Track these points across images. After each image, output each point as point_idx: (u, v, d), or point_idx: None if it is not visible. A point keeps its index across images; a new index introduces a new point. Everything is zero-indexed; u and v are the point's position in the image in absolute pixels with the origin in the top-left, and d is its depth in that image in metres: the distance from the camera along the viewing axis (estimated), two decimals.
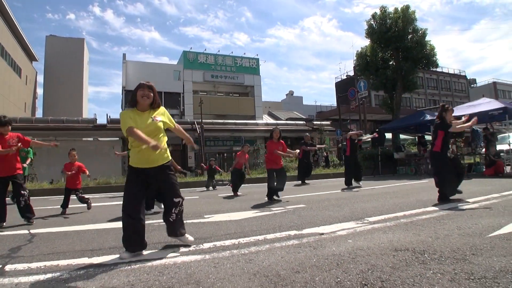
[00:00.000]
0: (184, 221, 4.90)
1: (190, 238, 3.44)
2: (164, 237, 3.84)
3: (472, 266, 2.36)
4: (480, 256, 2.58)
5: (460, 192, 5.85)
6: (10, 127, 5.39)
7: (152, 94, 3.25)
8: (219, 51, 43.07)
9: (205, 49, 41.87)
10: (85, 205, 7.04)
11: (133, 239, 3.11)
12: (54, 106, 47.15)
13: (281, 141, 7.62)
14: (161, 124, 3.29)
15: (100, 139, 26.93)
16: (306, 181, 12.26)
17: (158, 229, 4.46)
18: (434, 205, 5.31)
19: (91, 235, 4.27)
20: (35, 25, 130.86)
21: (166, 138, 3.37)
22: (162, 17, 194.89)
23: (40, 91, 50.47)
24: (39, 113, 47.15)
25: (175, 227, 3.35)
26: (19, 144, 5.36)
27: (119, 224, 4.88)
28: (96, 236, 4.15)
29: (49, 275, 2.57)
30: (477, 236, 3.20)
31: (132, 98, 3.27)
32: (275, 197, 7.22)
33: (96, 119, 26.14)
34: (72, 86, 50.31)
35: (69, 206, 6.78)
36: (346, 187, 9.64)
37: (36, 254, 3.28)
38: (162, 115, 3.35)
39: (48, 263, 2.93)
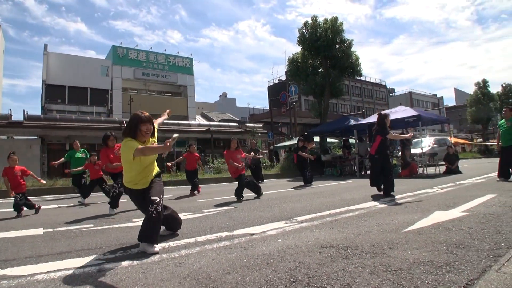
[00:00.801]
0: (111, 226, 4.69)
1: (156, 249, 3.10)
2: (88, 244, 3.62)
3: (389, 259, 2.56)
4: (396, 249, 2.81)
5: (392, 195, 6.46)
6: None
7: (152, 127, 3.39)
8: (151, 48, 41.74)
9: (137, 45, 40.29)
10: (16, 211, 6.31)
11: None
12: None
13: (239, 149, 7.77)
14: None
15: (15, 137, 24.42)
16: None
17: (81, 235, 4.18)
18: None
19: (4, 244, 3.85)
20: None
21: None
22: (89, 8, 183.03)
23: None
24: None
25: (147, 228, 3.19)
26: None
27: (36, 232, 4.52)
28: (10, 245, 3.75)
29: None
30: (394, 232, 3.48)
31: (132, 130, 3.31)
32: (241, 198, 7.38)
33: (11, 115, 23.70)
34: None
35: None
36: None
37: None
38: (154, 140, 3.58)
39: None
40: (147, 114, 3.33)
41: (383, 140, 6.72)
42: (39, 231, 4.56)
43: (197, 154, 10.15)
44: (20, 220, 5.80)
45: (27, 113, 24.36)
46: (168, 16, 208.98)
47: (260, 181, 13.29)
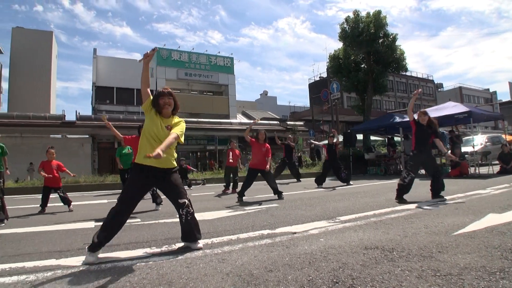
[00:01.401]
0: (157, 221, 4.86)
1: (200, 245, 3.25)
2: (135, 237, 3.78)
3: (438, 263, 2.45)
4: (445, 253, 2.68)
5: (441, 196, 6.00)
6: None
7: (173, 101, 3.28)
8: (193, 49, 42.72)
9: (179, 47, 41.36)
10: (66, 205, 6.75)
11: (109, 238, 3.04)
12: (20, 101, 45.15)
13: (266, 144, 7.53)
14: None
15: (68, 136, 26.02)
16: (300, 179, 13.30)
17: (129, 229, 4.37)
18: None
19: (59, 235, 4.13)
20: (0, 17, 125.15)
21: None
22: (134, 13, 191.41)
23: (5, 85, 48.21)
24: (3, 108, 44.94)
25: (186, 231, 3.23)
26: None
27: (87, 225, 4.79)
28: (64, 237, 4.02)
29: (14, 278, 2.47)
30: (443, 234, 3.32)
31: (155, 107, 3.23)
32: (281, 195, 7.29)
33: (64, 116, 25.20)
34: (40, 80, 48.35)
35: (34, 205, 6.53)
36: (317, 185, 10.11)
37: (1, 256, 3.15)
38: (180, 130, 3.25)
39: (13, 265, 2.81)
40: (167, 89, 3.32)
41: (418, 128, 6.08)
42: (91, 224, 4.84)
43: (237, 151, 10.33)
44: (72, 214, 6.17)
45: (79, 113, 25.80)
46: (209, 17, 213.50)
47: (299, 180, 13.23)
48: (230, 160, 9.90)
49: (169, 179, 3.25)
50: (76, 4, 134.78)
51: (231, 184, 9.80)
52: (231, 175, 9.85)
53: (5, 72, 47.65)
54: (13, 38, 48.27)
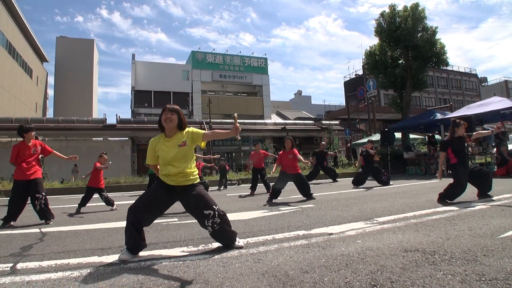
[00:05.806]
0: (194, 220, 4.94)
1: (239, 243, 3.24)
2: (173, 236, 3.87)
3: (483, 267, 2.33)
4: (491, 257, 2.54)
5: (488, 196, 5.75)
6: (33, 133, 5.40)
7: (175, 117, 3.14)
8: (227, 51, 43.23)
9: (213, 49, 42.05)
10: (110, 206, 7.02)
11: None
12: (65, 106, 47.75)
13: (294, 149, 7.43)
14: (187, 150, 3.14)
15: (109, 139, 27.18)
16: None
17: (167, 228, 4.48)
18: (445, 205, 5.25)
19: (101, 234, 4.31)
20: (45, 28, 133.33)
21: (194, 160, 3.25)
22: (168, 19, 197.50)
23: (50, 91, 51.13)
24: (50, 113, 47.80)
25: (220, 239, 3.22)
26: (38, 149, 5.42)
27: None
28: (106, 235, 4.19)
29: (60, 274, 2.60)
30: (489, 237, 3.15)
31: (159, 124, 3.20)
32: (312, 196, 7.19)
33: (105, 119, 26.32)
34: (82, 86, 50.86)
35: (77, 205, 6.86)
36: (353, 186, 9.81)
37: (47, 253, 3.33)
38: (187, 138, 3.16)
39: (59, 262, 2.96)
40: (172, 106, 3.18)
41: (453, 148, 5.79)
42: None
43: (262, 151, 10.27)
44: (114, 213, 6.42)
45: (119, 117, 26.84)
46: (240, 20, 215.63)
47: (336, 181, 13.01)
48: (249, 161, 9.88)
49: (191, 191, 3.13)
50: (114, 14, 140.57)
51: (267, 187, 9.76)
52: (259, 177, 9.81)
53: (51, 80, 50.52)
54: (57, 47, 51.03)
